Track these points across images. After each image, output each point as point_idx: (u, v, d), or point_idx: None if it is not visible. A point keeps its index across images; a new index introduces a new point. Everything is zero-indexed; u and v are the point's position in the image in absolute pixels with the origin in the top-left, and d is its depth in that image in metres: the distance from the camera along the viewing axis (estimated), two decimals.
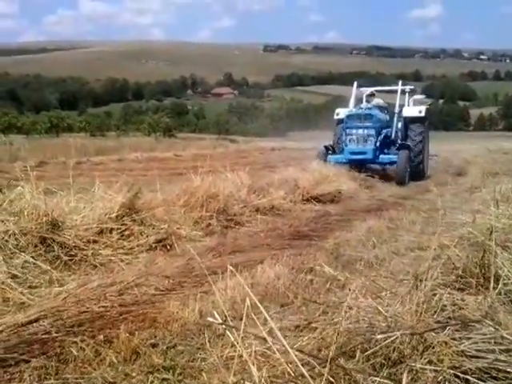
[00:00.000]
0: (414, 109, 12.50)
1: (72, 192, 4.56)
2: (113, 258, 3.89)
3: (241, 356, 1.76)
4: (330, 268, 3.29)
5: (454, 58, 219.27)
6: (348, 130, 11.09)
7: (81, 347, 2.31)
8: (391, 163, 11.02)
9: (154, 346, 2.37)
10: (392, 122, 12.08)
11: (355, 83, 13.31)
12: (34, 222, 3.81)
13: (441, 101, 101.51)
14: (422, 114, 12.16)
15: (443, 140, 24.29)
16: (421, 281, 2.10)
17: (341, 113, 12.00)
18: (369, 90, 12.74)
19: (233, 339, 1.81)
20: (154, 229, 4.48)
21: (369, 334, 1.79)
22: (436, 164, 13.81)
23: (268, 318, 1.70)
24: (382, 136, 11.27)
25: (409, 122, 12.11)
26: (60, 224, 3.92)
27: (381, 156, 11.08)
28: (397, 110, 12.39)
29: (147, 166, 12.58)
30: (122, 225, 4.33)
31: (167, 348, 2.35)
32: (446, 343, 1.73)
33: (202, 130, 51.48)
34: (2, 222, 3.76)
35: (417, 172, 11.45)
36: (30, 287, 3.14)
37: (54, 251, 3.68)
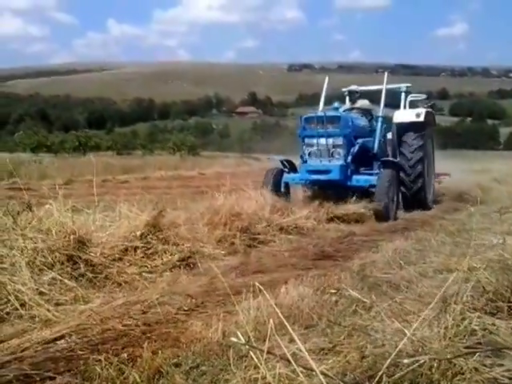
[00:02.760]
0: (409, 113, 9.54)
1: (98, 210, 4.63)
2: (137, 276, 3.90)
3: (264, 378, 1.74)
4: (356, 290, 3.25)
5: (482, 76, 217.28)
6: (307, 140, 8.09)
7: (105, 365, 2.31)
8: (370, 187, 7.87)
9: (177, 365, 2.35)
10: (381, 129, 8.99)
11: (327, 78, 10.22)
12: (62, 240, 3.86)
13: (469, 119, 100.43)
14: (421, 119, 9.23)
15: (472, 159, 23.86)
16: (449, 304, 2.05)
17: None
18: (352, 87, 9.94)
19: (256, 360, 1.79)
20: (177, 247, 4.50)
21: (395, 358, 1.74)
22: (448, 187, 11.90)
23: (296, 338, 1.67)
24: (358, 148, 8.13)
25: (403, 130, 9.24)
26: (86, 242, 3.97)
27: (354, 177, 7.95)
28: (381, 112, 9.12)
29: (171, 184, 12.71)
30: (146, 243, 4.36)
31: (190, 368, 2.33)
32: (476, 369, 1.68)
33: (226, 148, 51.91)
34: (31, 239, 3.81)
35: (416, 200, 8.83)
36: (56, 304, 3.16)
37: (79, 269, 3.72)
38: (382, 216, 7.34)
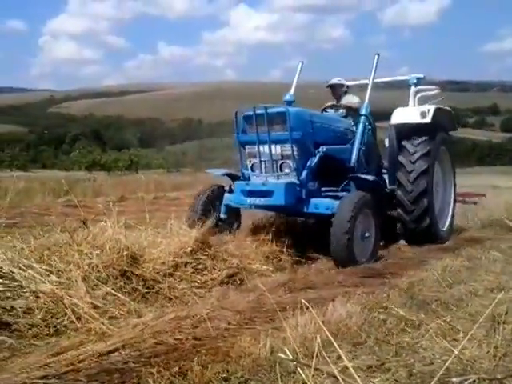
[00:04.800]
0: (411, 111, 7.06)
1: (149, 227, 4.78)
2: (187, 291, 4.01)
3: None
4: (404, 308, 3.22)
5: None
6: (248, 148, 5.96)
7: (157, 378, 2.38)
8: (331, 215, 5.33)
9: (226, 380, 2.40)
10: (362, 134, 6.50)
11: (299, 64, 7.88)
12: (115, 256, 4.02)
13: None
14: (427, 120, 6.72)
15: None
16: (499, 323, 2.02)
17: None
18: (334, 80, 7.31)
19: (304, 377, 1.82)
20: (225, 263, 4.59)
21: (443, 376, 1.73)
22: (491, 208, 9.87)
23: (342, 356, 1.69)
24: (318, 159, 5.72)
25: (402, 135, 6.84)
26: (139, 257, 4.11)
27: (313, 200, 5.60)
28: (364, 110, 6.68)
29: None
30: (195, 259, 4.47)
31: (239, 383, 2.37)
32: None
33: None
34: (86, 254, 3.98)
35: (420, 229, 6.55)
36: (110, 318, 3.29)
37: (132, 283, 3.85)
38: (340, 260, 5.13)
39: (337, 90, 7.28)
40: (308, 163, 5.72)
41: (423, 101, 7.42)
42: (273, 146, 5.66)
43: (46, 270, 3.58)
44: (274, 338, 2.80)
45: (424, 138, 6.85)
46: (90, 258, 3.92)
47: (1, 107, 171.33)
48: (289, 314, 3.00)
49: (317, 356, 2.03)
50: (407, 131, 6.93)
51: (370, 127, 6.82)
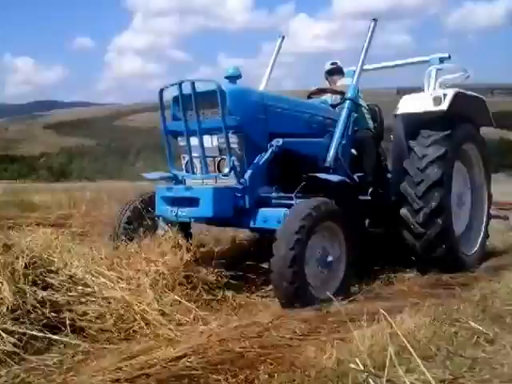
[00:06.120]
0: (423, 97, 5.45)
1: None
2: (251, 299, 4.04)
3: None
4: (477, 321, 3.09)
5: None
6: (180, 140, 4.71)
7: None
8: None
9: None
10: (345, 124, 5.01)
11: (279, 39, 6.60)
12: (179, 262, 4.12)
13: None
14: (443, 107, 5.14)
15: None
16: None
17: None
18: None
19: None
20: None
21: None
22: None
23: (421, 365, 1.64)
24: (271, 154, 4.39)
25: (410, 131, 5.32)
26: (202, 262, 4.20)
27: (261, 211, 4.27)
28: (351, 92, 5.16)
29: None
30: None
31: None
32: None
33: None
34: (153, 262, 4.10)
35: (435, 260, 5.07)
36: (177, 324, 3.38)
37: (197, 291, 3.93)
38: (283, 299, 3.80)
39: (334, 78, 5.99)
40: (256, 161, 4.36)
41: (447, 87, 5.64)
42: (207, 138, 4.38)
43: (116, 276, 3.72)
44: (340, 349, 2.76)
45: (438, 133, 5.18)
46: (157, 266, 4.03)
47: (71, 121, 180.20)
48: (355, 324, 2.95)
49: (387, 368, 2.00)
50: (416, 125, 5.32)
51: (356, 116, 5.21)
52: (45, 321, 3.09)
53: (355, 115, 5.20)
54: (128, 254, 4.19)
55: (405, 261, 5.34)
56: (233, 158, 4.22)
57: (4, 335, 2.82)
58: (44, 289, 3.34)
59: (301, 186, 4.25)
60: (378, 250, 5.39)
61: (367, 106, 5.76)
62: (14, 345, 2.81)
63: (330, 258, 4.09)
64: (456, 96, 5.25)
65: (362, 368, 1.88)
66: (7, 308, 3.02)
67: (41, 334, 2.98)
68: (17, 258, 3.41)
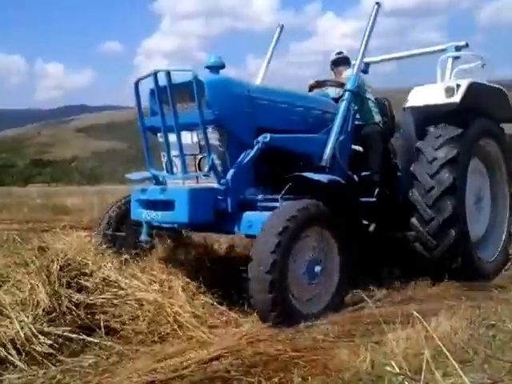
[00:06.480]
0: (435, 88, 4.92)
1: None
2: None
3: None
4: None
5: None
6: (160, 137, 4.24)
7: None
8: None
9: None
10: (344, 117, 4.58)
11: (278, 29, 6.16)
12: (211, 265, 4.15)
13: None
14: (455, 100, 4.66)
15: None
16: None
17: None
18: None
19: None
20: None
21: None
22: None
23: (458, 369, 1.61)
24: (256, 152, 3.98)
25: (419, 127, 4.90)
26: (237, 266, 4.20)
27: (246, 215, 3.83)
28: (351, 84, 4.71)
29: None
30: None
31: None
32: None
33: None
34: (184, 265, 4.13)
35: (450, 270, 4.62)
36: (209, 327, 3.38)
37: (229, 294, 3.94)
38: (263, 315, 3.38)
39: (340, 69, 5.53)
40: (239, 159, 3.98)
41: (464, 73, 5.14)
42: (186, 134, 4.00)
43: (148, 279, 3.75)
44: (373, 352, 2.72)
45: (450, 131, 4.68)
46: (188, 269, 4.06)
47: (102, 125, 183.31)
48: (389, 327, 2.91)
49: (423, 371, 1.96)
50: (426, 120, 4.86)
51: (356, 107, 4.73)
52: (79, 322, 3.15)
53: (355, 108, 4.74)
54: (159, 256, 4.21)
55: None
56: (212, 155, 3.83)
57: (41, 337, 2.87)
58: (78, 291, 3.40)
59: (287, 187, 3.81)
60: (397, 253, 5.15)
61: (375, 99, 5.36)
62: (51, 346, 2.87)
63: (318, 268, 3.66)
64: (471, 87, 4.70)
65: (398, 371, 1.85)
66: (43, 310, 3.09)
67: (76, 336, 3.04)
68: (52, 261, 3.48)
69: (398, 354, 2.52)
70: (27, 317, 2.96)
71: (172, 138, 3.97)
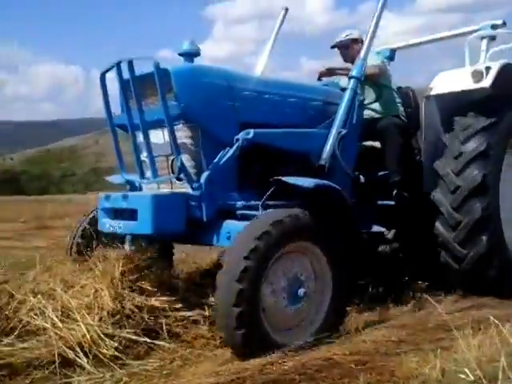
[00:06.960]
0: (462, 73, 4.34)
1: None
2: None
3: None
4: None
5: None
6: (136, 134, 3.65)
7: None
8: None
9: None
10: (348, 109, 3.97)
11: (283, 11, 5.60)
12: None
13: None
14: (485, 85, 4.04)
15: None
16: None
17: None
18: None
19: None
20: None
21: None
22: None
23: None
24: (236, 150, 3.44)
25: (447, 114, 4.33)
26: None
27: (226, 223, 3.31)
28: (356, 71, 4.08)
29: None
30: None
31: None
32: None
33: None
34: None
35: (482, 283, 4.05)
36: None
37: None
38: (232, 345, 2.89)
39: (349, 52, 4.72)
40: (216, 160, 3.44)
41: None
42: (157, 133, 3.56)
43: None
44: (443, 359, 2.61)
45: (480, 120, 4.11)
46: None
47: None
48: (459, 333, 2.78)
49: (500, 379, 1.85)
50: (452, 109, 4.25)
51: (360, 98, 4.17)
52: (143, 325, 3.18)
53: (361, 98, 4.18)
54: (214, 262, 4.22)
55: None
56: (182, 156, 3.34)
57: (107, 340, 2.92)
58: (140, 294, 3.44)
59: (269, 192, 3.23)
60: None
61: (398, 88, 4.78)
62: (116, 349, 2.91)
63: (300, 292, 3.05)
64: (504, 69, 4.08)
65: (473, 378, 1.75)
66: (107, 313, 3.14)
67: (141, 339, 3.06)
68: (113, 265, 3.53)
69: (471, 361, 2.40)
70: (93, 319, 3.02)
71: (137, 137, 3.59)
